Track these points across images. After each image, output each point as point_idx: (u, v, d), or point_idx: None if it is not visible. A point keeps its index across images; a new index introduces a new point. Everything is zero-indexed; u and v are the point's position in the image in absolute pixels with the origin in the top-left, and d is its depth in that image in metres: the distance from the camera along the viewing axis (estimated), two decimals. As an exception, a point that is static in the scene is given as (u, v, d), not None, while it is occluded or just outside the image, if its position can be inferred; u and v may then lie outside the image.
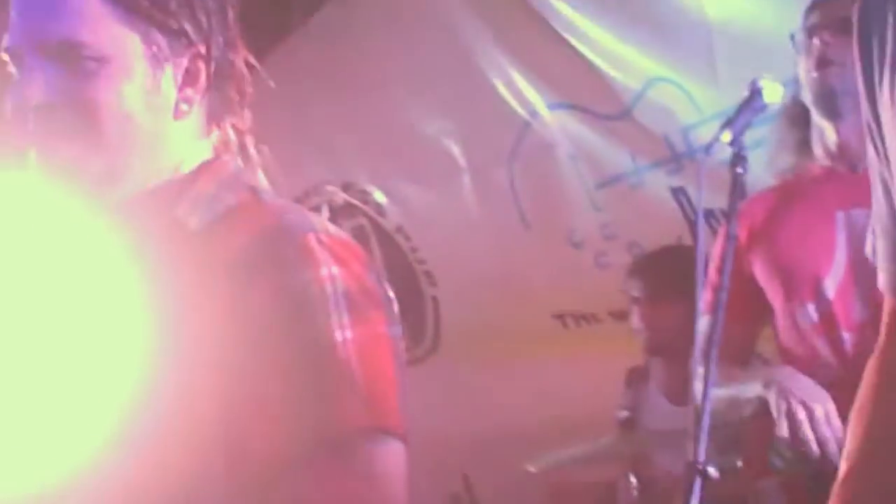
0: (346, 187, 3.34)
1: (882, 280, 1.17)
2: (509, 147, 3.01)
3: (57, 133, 1.31)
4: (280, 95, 3.17)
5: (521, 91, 2.95)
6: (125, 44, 1.32)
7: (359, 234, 3.25)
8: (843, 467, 1.22)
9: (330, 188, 3.27)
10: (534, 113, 2.96)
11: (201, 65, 1.33)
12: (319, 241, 1.23)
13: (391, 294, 1.24)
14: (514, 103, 2.97)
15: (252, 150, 1.37)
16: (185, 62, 1.32)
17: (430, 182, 3.24)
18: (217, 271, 1.24)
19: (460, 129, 3.13)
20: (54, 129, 1.31)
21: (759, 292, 2.10)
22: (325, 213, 3.45)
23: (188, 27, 1.32)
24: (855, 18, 1.13)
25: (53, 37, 1.30)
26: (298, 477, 1.16)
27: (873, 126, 1.13)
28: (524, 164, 3.01)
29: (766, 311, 2.10)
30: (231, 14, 1.36)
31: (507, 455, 2.85)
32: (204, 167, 1.34)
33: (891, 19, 1.07)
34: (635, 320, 2.66)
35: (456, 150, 3.13)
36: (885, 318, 1.20)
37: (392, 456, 1.16)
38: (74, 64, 1.30)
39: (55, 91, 1.31)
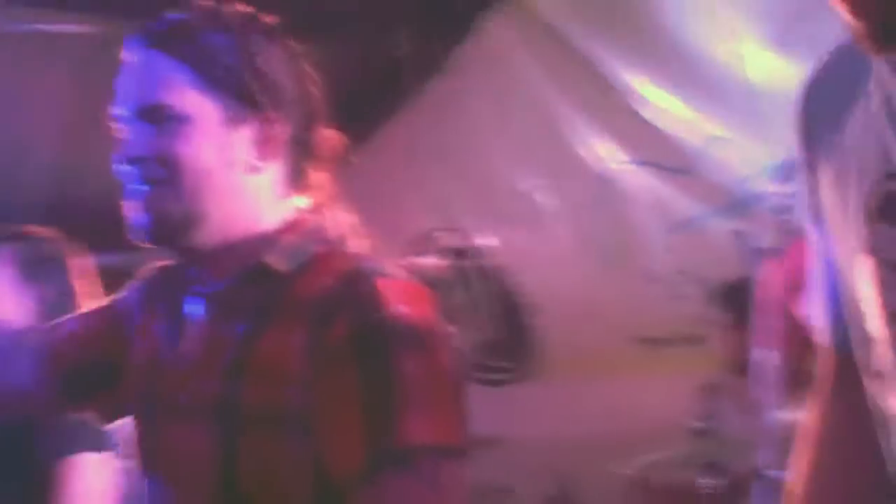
0: (455, 233, 3.55)
1: (821, 334, 1.12)
2: (593, 198, 3.22)
3: (147, 181, 1.39)
4: (399, 155, 3.56)
5: (602, 151, 3.18)
6: (204, 107, 1.39)
7: (464, 273, 3.51)
8: None
9: (441, 233, 3.57)
10: (613, 169, 3.17)
11: (274, 131, 1.39)
12: (389, 285, 1.29)
13: (451, 329, 1.30)
14: (596, 161, 3.19)
15: (333, 211, 1.45)
16: (258, 127, 1.38)
17: (527, 228, 3.39)
18: (302, 308, 1.31)
19: (552, 183, 3.30)
20: (145, 178, 1.39)
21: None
22: (438, 254, 3.68)
23: (262, 97, 1.38)
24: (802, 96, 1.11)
25: (145, 101, 1.39)
26: (370, 487, 1.23)
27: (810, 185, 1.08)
28: (606, 211, 3.22)
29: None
30: (313, 89, 1.44)
31: (599, 460, 3.02)
32: (289, 223, 1.40)
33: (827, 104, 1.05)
34: (718, 343, 2.82)
35: (549, 200, 3.29)
36: (825, 372, 1.14)
37: (454, 469, 1.24)
38: (162, 123, 1.38)
39: (146, 146, 1.38)
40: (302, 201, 1.41)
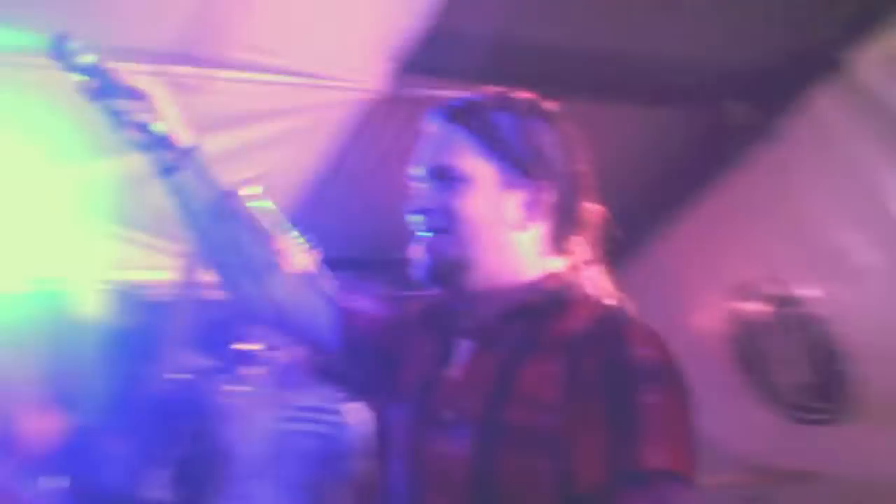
0: (777, 282, 3.70)
1: None
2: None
3: (431, 230, 1.49)
4: (725, 211, 3.79)
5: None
6: (484, 171, 1.48)
7: (785, 320, 3.65)
8: None
9: (764, 282, 3.74)
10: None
11: (542, 197, 1.48)
12: (634, 329, 1.37)
13: (683, 370, 1.34)
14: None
15: (589, 270, 1.52)
16: (529, 192, 1.48)
17: (846, 282, 3.44)
18: (558, 344, 1.39)
19: (871, 240, 3.34)
20: (430, 227, 1.49)
21: None
22: (760, 301, 3.83)
23: (534, 168, 1.47)
24: None
25: (437, 163, 1.50)
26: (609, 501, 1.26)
27: None
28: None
29: None
30: (581, 166, 1.51)
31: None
32: (548, 275, 1.49)
33: None
34: None
35: (869, 257, 3.36)
36: None
37: (683, 493, 1.27)
38: (447, 182, 1.49)
39: (432, 200, 1.50)
40: (561, 261, 1.50)
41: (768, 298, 3.73)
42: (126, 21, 2.53)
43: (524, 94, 1.50)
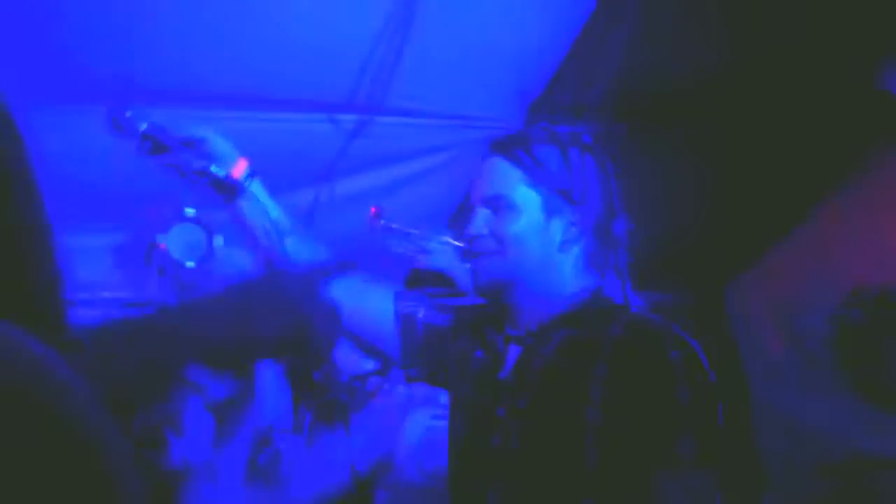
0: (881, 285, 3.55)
1: None
2: None
3: (481, 251, 1.54)
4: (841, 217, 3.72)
5: None
6: (530, 199, 1.53)
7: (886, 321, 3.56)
8: None
9: (871, 285, 3.61)
10: None
11: (583, 221, 1.54)
12: (665, 333, 1.41)
13: (710, 370, 1.37)
14: None
15: (623, 285, 1.55)
16: (570, 216, 1.53)
17: None
18: (595, 347, 1.43)
19: None
20: (480, 248, 1.54)
21: None
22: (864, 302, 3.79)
23: (574, 195, 1.53)
24: None
25: (487, 192, 1.56)
26: (644, 489, 1.31)
27: None
28: None
29: None
30: (616, 192, 1.55)
31: None
32: (588, 289, 1.53)
33: None
34: None
35: None
36: None
37: (711, 482, 1.32)
38: (496, 209, 1.54)
39: (484, 225, 1.55)
40: (598, 276, 1.56)
41: (872, 299, 3.71)
42: (300, 77, 2.87)
43: (567, 126, 1.57)
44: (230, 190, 1.65)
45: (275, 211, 1.70)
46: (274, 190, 3.13)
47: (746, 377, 4.36)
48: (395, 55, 2.73)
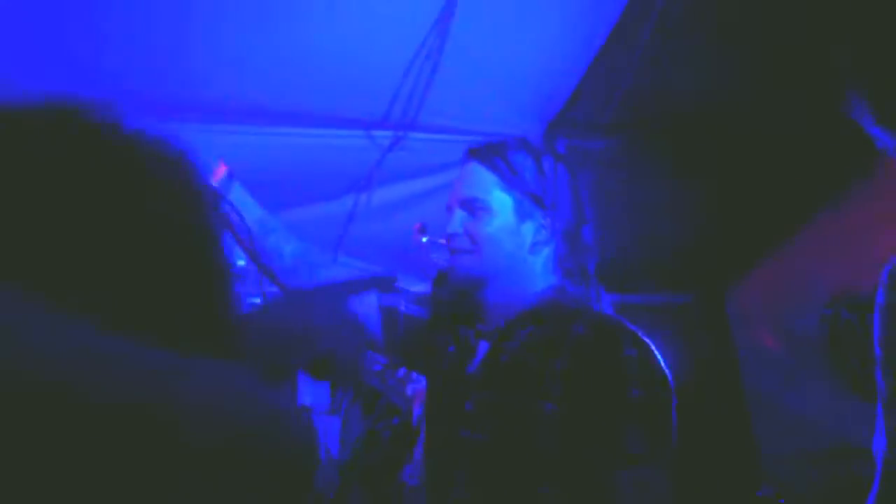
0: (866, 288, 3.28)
1: None
2: None
3: (456, 249, 1.58)
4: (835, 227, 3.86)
5: None
6: (503, 201, 1.58)
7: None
8: None
9: (859, 288, 3.76)
10: None
11: (553, 224, 1.58)
12: (623, 332, 1.43)
13: (666, 369, 1.37)
14: None
15: (589, 287, 1.56)
16: (541, 220, 1.57)
17: None
18: (558, 344, 1.44)
19: None
20: (455, 247, 1.58)
21: None
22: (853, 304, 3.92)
23: (545, 199, 1.56)
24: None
25: (464, 194, 1.60)
26: (596, 480, 1.30)
27: None
28: None
29: None
30: (584, 200, 1.56)
31: None
32: (552, 289, 1.56)
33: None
34: None
35: None
36: None
37: (662, 475, 1.31)
38: (472, 210, 1.58)
39: (460, 225, 1.59)
40: (565, 277, 1.58)
41: (858, 300, 3.86)
42: (342, 98, 3.08)
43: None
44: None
45: (257, 211, 1.70)
46: (317, 198, 3.46)
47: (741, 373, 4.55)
48: (426, 78, 2.88)
